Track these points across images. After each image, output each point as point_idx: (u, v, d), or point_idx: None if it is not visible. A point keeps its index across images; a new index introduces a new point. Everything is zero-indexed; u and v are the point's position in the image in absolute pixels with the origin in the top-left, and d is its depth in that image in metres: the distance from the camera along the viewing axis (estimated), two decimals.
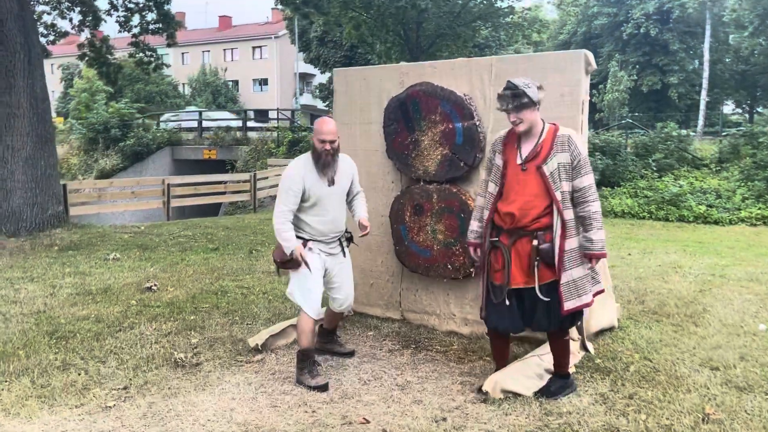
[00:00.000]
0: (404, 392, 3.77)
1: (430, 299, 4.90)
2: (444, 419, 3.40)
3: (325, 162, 3.86)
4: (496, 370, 3.79)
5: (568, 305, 3.43)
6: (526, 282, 3.46)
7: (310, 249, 3.94)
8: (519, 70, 4.33)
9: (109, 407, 3.51)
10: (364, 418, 3.41)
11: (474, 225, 3.73)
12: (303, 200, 3.86)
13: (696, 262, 7.92)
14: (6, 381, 3.84)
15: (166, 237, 9.68)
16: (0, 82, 9.03)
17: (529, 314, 3.51)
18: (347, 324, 5.03)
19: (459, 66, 4.66)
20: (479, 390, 3.68)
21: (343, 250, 4.11)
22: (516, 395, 3.61)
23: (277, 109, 31.77)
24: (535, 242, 3.42)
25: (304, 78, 51.14)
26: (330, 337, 4.45)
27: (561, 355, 3.66)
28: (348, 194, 4.12)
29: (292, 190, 3.81)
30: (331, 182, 3.89)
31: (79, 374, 3.96)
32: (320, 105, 41.93)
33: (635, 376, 3.95)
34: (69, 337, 4.66)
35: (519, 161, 3.48)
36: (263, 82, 52.31)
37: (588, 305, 3.52)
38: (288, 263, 3.90)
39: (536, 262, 3.42)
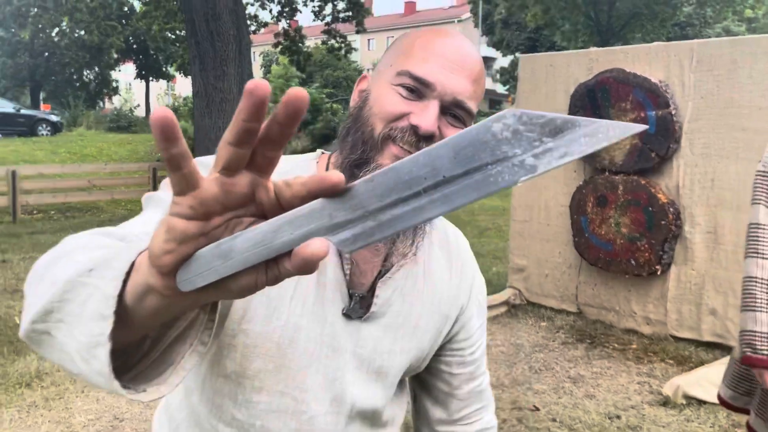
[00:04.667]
0: (576, 385, 3.73)
1: (609, 294, 4.73)
2: (618, 417, 3.32)
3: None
4: None
5: None
6: None
7: None
8: (724, 54, 4.01)
9: None
10: (534, 405, 3.44)
11: None
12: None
13: None
14: None
15: None
16: (216, 70, 10.18)
17: None
18: (519, 312, 5.05)
19: (655, 51, 4.40)
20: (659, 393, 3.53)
21: None
22: (701, 402, 3.41)
23: None
24: None
25: (485, 62, 50.54)
26: None
27: None
28: (431, 387, 1.08)
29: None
30: (365, 310, 0.93)
31: None
32: (500, 89, 41.39)
33: None
34: None
35: None
36: None
37: None
38: None
39: None
